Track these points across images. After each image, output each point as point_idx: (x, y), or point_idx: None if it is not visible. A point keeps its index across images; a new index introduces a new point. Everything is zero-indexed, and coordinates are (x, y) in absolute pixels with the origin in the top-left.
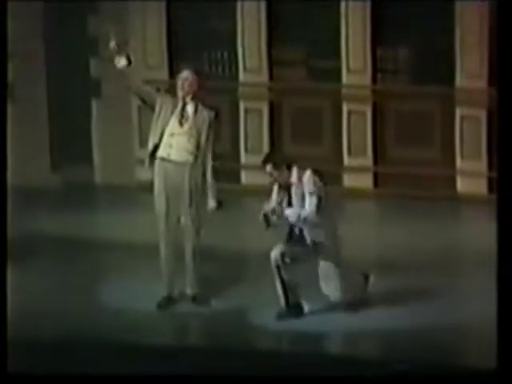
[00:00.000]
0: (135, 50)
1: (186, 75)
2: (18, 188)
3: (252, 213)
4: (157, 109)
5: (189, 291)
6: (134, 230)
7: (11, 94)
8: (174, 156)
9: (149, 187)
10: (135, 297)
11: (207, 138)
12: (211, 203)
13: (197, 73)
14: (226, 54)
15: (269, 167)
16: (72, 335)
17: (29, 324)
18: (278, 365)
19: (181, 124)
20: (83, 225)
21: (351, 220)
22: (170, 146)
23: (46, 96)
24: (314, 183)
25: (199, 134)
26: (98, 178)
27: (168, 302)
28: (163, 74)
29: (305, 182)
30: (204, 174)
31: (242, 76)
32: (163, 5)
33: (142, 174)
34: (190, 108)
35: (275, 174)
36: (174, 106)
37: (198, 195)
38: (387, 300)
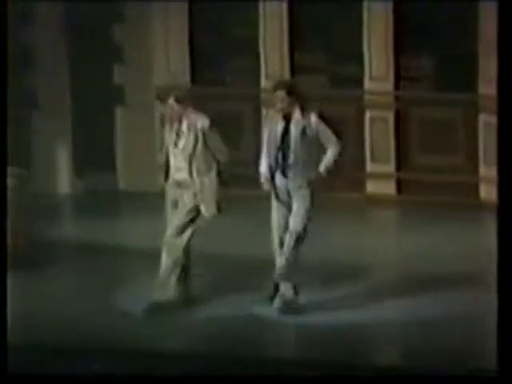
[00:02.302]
0: (158, 56)
1: (171, 104)
2: (42, 195)
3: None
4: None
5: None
6: (156, 236)
7: (35, 102)
8: (176, 176)
9: None
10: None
11: (203, 150)
12: (210, 209)
13: (178, 100)
14: (248, 61)
15: (282, 93)
16: (98, 344)
17: (53, 329)
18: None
19: (175, 144)
20: (106, 231)
21: (374, 227)
22: (173, 167)
23: (70, 103)
24: (322, 122)
25: (193, 149)
26: (121, 184)
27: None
28: (185, 80)
29: (313, 119)
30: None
31: (263, 83)
32: (186, 11)
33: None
34: (184, 126)
35: (286, 101)
36: (172, 128)
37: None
38: (403, 305)
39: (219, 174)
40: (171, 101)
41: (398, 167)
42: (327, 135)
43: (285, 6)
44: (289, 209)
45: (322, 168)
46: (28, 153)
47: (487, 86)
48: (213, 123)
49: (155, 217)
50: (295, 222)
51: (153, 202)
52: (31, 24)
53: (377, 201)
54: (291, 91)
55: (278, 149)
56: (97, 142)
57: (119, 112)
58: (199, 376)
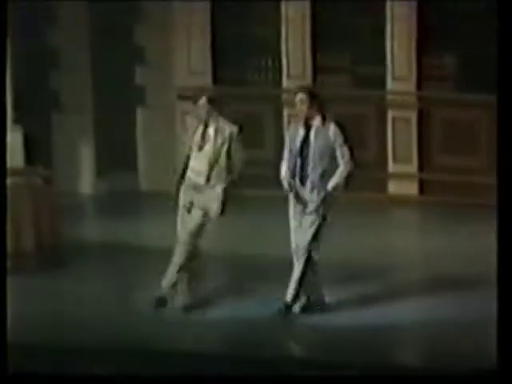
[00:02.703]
0: (180, 56)
1: (202, 103)
2: (65, 194)
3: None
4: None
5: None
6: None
7: (58, 102)
8: (194, 179)
9: None
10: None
11: (227, 157)
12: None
13: (210, 100)
14: (269, 61)
15: (304, 96)
16: (130, 344)
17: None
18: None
19: (200, 148)
20: (128, 231)
21: (395, 227)
22: (192, 169)
23: (92, 104)
24: (341, 135)
25: (218, 155)
26: (143, 184)
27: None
28: (207, 81)
29: (332, 129)
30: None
31: (285, 83)
32: (208, 11)
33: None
34: (211, 129)
35: (306, 103)
36: (198, 130)
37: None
38: (426, 305)
39: (233, 182)
40: (203, 100)
41: (421, 167)
42: (342, 150)
43: (307, 6)
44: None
45: (330, 186)
46: (50, 153)
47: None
48: (241, 130)
49: (176, 217)
50: (303, 239)
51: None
52: (55, 25)
53: (399, 201)
54: (313, 94)
55: (298, 156)
56: (118, 142)
57: (140, 112)
58: (199, 376)
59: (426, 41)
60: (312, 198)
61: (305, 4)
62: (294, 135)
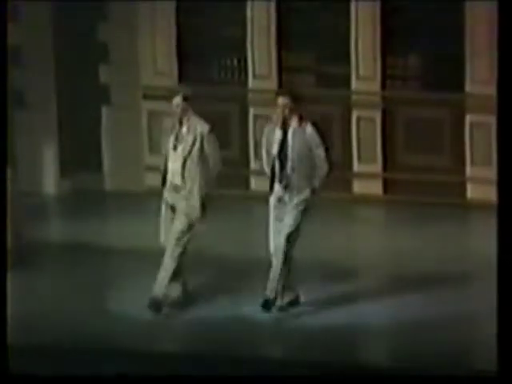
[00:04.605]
0: (145, 55)
1: (177, 101)
2: (28, 194)
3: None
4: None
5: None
6: (143, 236)
7: (21, 101)
8: (173, 180)
9: (158, 193)
10: (142, 303)
11: (200, 155)
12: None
13: (185, 98)
14: (235, 61)
15: (285, 99)
16: (76, 339)
17: (33, 328)
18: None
19: (175, 148)
20: (92, 231)
21: (360, 226)
22: (171, 171)
23: (55, 103)
24: (317, 136)
25: (190, 154)
26: (108, 184)
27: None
28: (172, 81)
29: (309, 131)
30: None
31: (251, 83)
32: (173, 11)
33: (152, 180)
34: (184, 128)
35: (288, 107)
36: (173, 130)
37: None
38: (394, 304)
39: (207, 183)
40: (178, 99)
41: (385, 167)
42: (319, 151)
43: (272, 5)
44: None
45: (315, 184)
46: (13, 152)
47: (473, 86)
48: (212, 130)
49: (142, 217)
50: (280, 239)
51: (139, 202)
52: (17, 23)
53: (363, 201)
54: (295, 97)
55: (276, 158)
56: (83, 141)
57: (105, 111)
58: (199, 376)
59: (391, 40)
60: (293, 199)
61: (270, 4)
62: (270, 137)
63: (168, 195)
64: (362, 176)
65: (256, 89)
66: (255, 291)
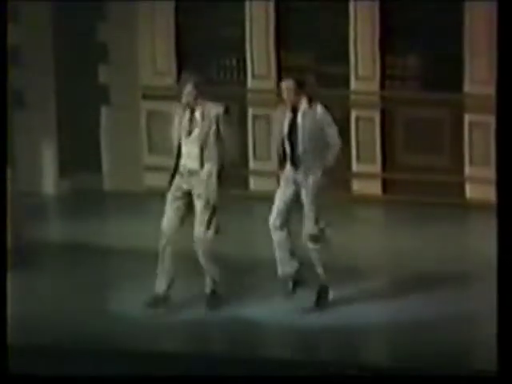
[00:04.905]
0: (144, 55)
1: (189, 89)
2: (27, 194)
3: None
4: (175, 121)
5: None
6: (142, 236)
7: (20, 101)
8: (188, 165)
9: (157, 193)
10: (140, 303)
11: (216, 138)
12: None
13: (196, 85)
14: (234, 61)
15: (288, 82)
16: (76, 339)
17: (33, 328)
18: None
19: (189, 133)
20: (92, 231)
21: (359, 226)
22: (185, 156)
23: (54, 103)
24: (328, 115)
25: (207, 137)
26: (107, 184)
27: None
28: (171, 80)
29: (319, 111)
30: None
31: (250, 82)
32: (172, 10)
33: (151, 180)
34: (198, 114)
35: (292, 91)
36: (184, 117)
37: (209, 201)
38: (393, 303)
39: (222, 168)
40: (189, 88)
41: (384, 167)
42: (330, 130)
43: (271, 5)
44: (295, 197)
45: (329, 162)
46: (12, 152)
47: (473, 86)
48: (227, 110)
49: (141, 217)
50: (307, 225)
51: (138, 202)
52: (17, 23)
53: (362, 201)
54: (299, 82)
55: (286, 139)
56: (82, 141)
57: (104, 111)
58: (199, 376)
59: (390, 40)
60: (307, 181)
61: (269, 4)
62: (281, 119)
63: (183, 182)
64: (360, 176)
65: (255, 89)
66: (255, 291)
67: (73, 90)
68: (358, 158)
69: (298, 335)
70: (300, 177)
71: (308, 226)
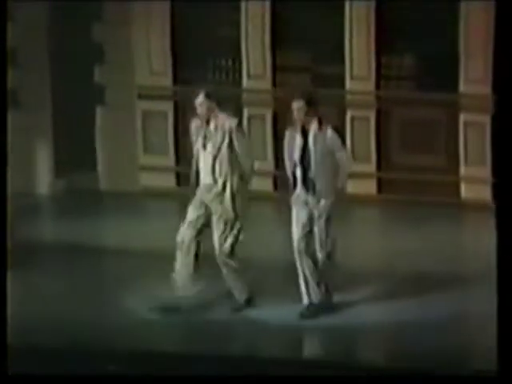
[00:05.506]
0: (140, 55)
1: (201, 100)
2: (22, 194)
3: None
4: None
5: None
6: (138, 236)
7: (15, 101)
8: (204, 180)
9: (153, 193)
10: (137, 303)
11: (230, 152)
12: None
13: (208, 96)
14: (229, 61)
15: (300, 103)
16: (76, 339)
17: (31, 329)
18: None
19: (204, 146)
20: (87, 231)
21: (354, 226)
22: (203, 170)
23: (50, 103)
24: (338, 139)
25: (218, 151)
26: (103, 184)
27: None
28: (167, 81)
29: (329, 135)
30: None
31: (245, 83)
32: (167, 11)
33: (146, 180)
34: (212, 126)
35: (304, 111)
36: (200, 129)
37: (221, 216)
38: (390, 303)
39: (241, 179)
40: (201, 98)
41: (379, 167)
42: (341, 154)
43: (267, 5)
44: (309, 218)
45: (340, 184)
46: (6, 151)
47: (468, 86)
48: (240, 125)
49: (136, 217)
50: (318, 247)
51: (134, 201)
52: (13, 24)
53: (358, 200)
54: (310, 101)
55: (298, 164)
56: (77, 141)
57: (100, 111)
58: (199, 376)
59: (385, 40)
60: (320, 204)
61: (264, 4)
62: (291, 143)
63: (203, 196)
64: (356, 176)
65: (250, 89)
66: (256, 291)
67: (68, 90)
68: (353, 157)
69: (298, 335)
70: (311, 199)
71: (318, 248)
